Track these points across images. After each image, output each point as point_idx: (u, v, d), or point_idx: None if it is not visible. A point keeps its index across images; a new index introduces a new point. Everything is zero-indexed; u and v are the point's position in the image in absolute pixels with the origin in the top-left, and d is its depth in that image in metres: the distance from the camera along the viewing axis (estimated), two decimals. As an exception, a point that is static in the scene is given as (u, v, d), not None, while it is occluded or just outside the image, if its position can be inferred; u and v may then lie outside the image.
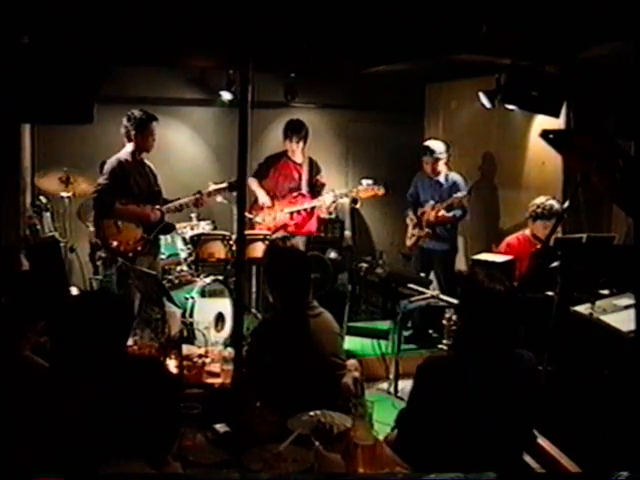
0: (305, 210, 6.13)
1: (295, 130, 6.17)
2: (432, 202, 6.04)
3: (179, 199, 5.44)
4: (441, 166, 6.08)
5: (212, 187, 5.53)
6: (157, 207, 5.32)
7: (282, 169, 6.22)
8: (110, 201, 5.13)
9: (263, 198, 6.12)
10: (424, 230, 6.03)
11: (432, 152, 6.07)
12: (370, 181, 6.05)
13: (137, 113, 5.26)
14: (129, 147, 5.27)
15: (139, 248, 5.19)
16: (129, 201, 5.20)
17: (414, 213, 6.17)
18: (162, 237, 5.43)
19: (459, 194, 5.87)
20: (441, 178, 6.06)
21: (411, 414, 2.66)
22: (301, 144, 6.18)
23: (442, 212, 5.91)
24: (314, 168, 6.31)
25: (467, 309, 2.74)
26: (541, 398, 2.91)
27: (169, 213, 5.39)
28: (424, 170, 6.15)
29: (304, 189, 6.22)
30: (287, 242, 3.42)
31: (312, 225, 6.29)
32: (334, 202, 6.10)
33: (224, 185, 5.53)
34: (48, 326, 2.59)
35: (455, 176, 6.10)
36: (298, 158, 6.24)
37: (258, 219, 6.09)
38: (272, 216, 6.12)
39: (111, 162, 5.21)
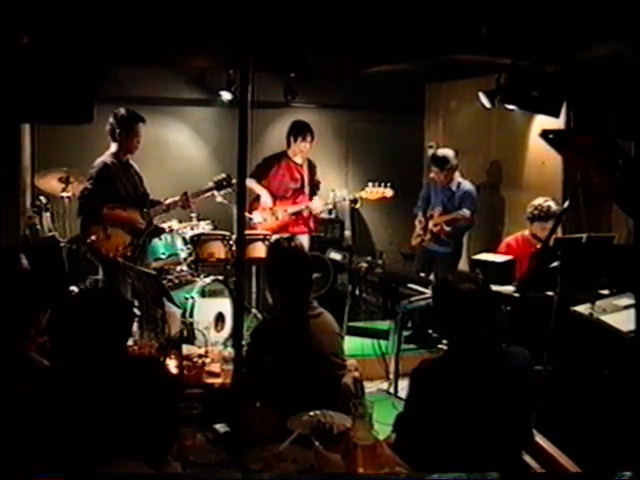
0: (309, 211, 6.18)
1: (308, 129, 6.17)
2: (440, 209, 6.00)
3: (166, 199, 5.44)
4: (453, 175, 5.96)
5: (201, 189, 5.52)
6: (145, 210, 5.30)
7: (285, 170, 6.23)
8: (97, 206, 5.07)
9: (265, 198, 6.13)
10: (427, 234, 6.02)
11: (444, 163, 5.90)
12: (376, 184, 6.03)
13: (123, 112, 5.21)
14: (113, 148, 5.23)
15: (128, 254, 5.14)
16: (116, 205, 5.14)
17: (423, 214, 6.14)
18: (162, 238, 5.41)
19: (465, 211, 5.77)
20: (453, 186, 5.96)
21: (409, 418, 2.67)
22: (310, 145, 6.18)
23: (443, 226, 5.88)
24: (313, 169, 6.33)
25: (441, 312, 2.76)
26: (536, 395, 2.92)
27: (157, 215, 5.38)
28: (434, 179, 6.04)
29: (306, 189, 6.23)
30: (292, 243, 3.41)
31: (310, 224, 6.32)
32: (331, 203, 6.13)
33: (210, 185, 5.53)
34: (48, 326, 2.59)
35: (467, 185, 5.97)
36: (298, 159, 6.25)
37: (259, 219, 6.09)
38: (275, 216, 6.13)
39: (96, 166, 5.15)
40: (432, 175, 6.09)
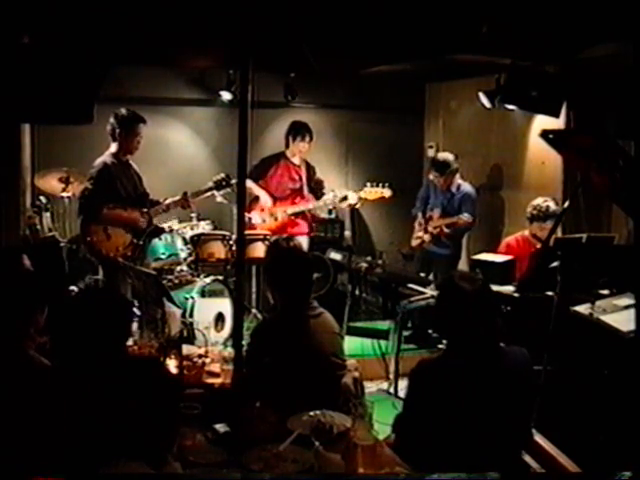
0: (308, 211, 6.16)
1: (307, 129, 6.18)
2: (439, 210, 5.99)
3: (166, 199, 5.44)
4: (453, 179, 5.93)
5: (202, 189, 5.53)
6: (145, 210, 5.30)
7: (283, 170, 6.23)
8: (97, 206, 5.08)
9: (265, 198, 6.12)
10: (427, 236, 6.01)
11: (445, 168, 5.86)
12: (374, 184, 6.01)
13: (124, 112, 5.22)
14: (113, 148, 5.23)
15: (129, 254, 5.15)
16: (116, 205, 5.15)
17: (423, 215, 6.13)
18: (162, 238, 5.42)
19: (466, 216, 5.74)
20: (453, 188, 5.94)
21: (408, 418, 2.67)
22: (308, 145, 6.18)
23: (443, 229, 5.87)
24: (311, 170, 6.34)
25: (439, 309, 2.76)
26: (536, 394, 2.92)
27: (156, 215, 5.38)
28: (440, 183, 5.96)
29: (305, 190, 6.23)
30: (290, 243, 3.42)
31: (311, 225, 6.31)
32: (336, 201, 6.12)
33: (209, 185, 5.53)
34: (48, 325, 2.59)
35: (467, 187, 5.96)
36: (296, 160, 6.24)
37: (258, 219, 6.09)
38: (274, 217, 6.13)
39: (96, 166, 5.16)
40: (432, 178, 6.08)
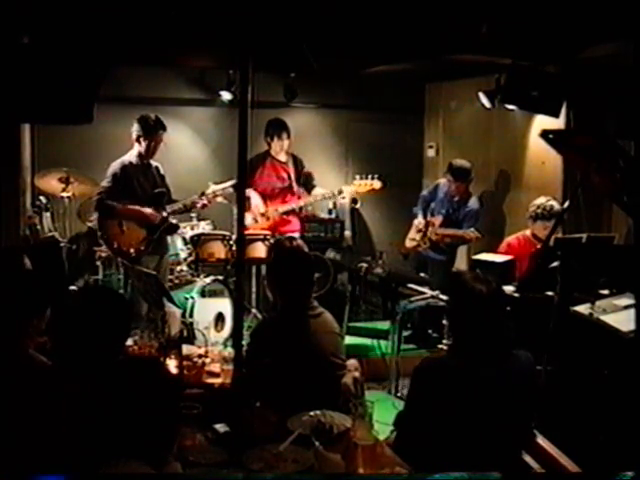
0: (299, 209, 6.15)
1: (281, 128, 6.15)
2: (441, 217, 5.97)
3: (185, 200, 5.46)
4: (467, 188, 5.93)
5: (217, 187, 5.56)
6: (160, 208, 5.33)
7: (270, 170, 6.20)
8: (111, 204, 5.17)
9: (255, 199, 6.11)
10: (425, 241, 6.00)
11: (467, 175, 5.86)
12: (364, 177, 5.97)
13: (149, 117, 5.29)
14: (135, 149, 5.31)
15: (142, 248, 5.22)
16: (132, 202, 5.23)
17: (423, 217, 6.11)
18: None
19: (471, 231, 5.73)
20: (463, 197, 5.93)
21: (410, 416, 2.67)
22: (287, 142, 6.17)
23: (444, 238, 5.87)
24: (299, 164, 6.29)
25: (452, 309, 2.76)
26: (539, 398, 2.92)
27: (173, 214, 5.40)
28: (451, 188, 5.95)
29: (295, 188, 6.21)
30: (294, 242, 3.42)
31: (297, 224, 6.29)
32: (328, 197, 6.09)
33: (230, 183, 5.53)
34: (48, 325, 2.59)
35: (474, 204, 5.93)
36: (282, 157, 6.22)
37: (249, 220, 6.07)
38: (265, 216, 6.11)
39: (114, 165, 5.25)
40: (443, 182, 6.03)
